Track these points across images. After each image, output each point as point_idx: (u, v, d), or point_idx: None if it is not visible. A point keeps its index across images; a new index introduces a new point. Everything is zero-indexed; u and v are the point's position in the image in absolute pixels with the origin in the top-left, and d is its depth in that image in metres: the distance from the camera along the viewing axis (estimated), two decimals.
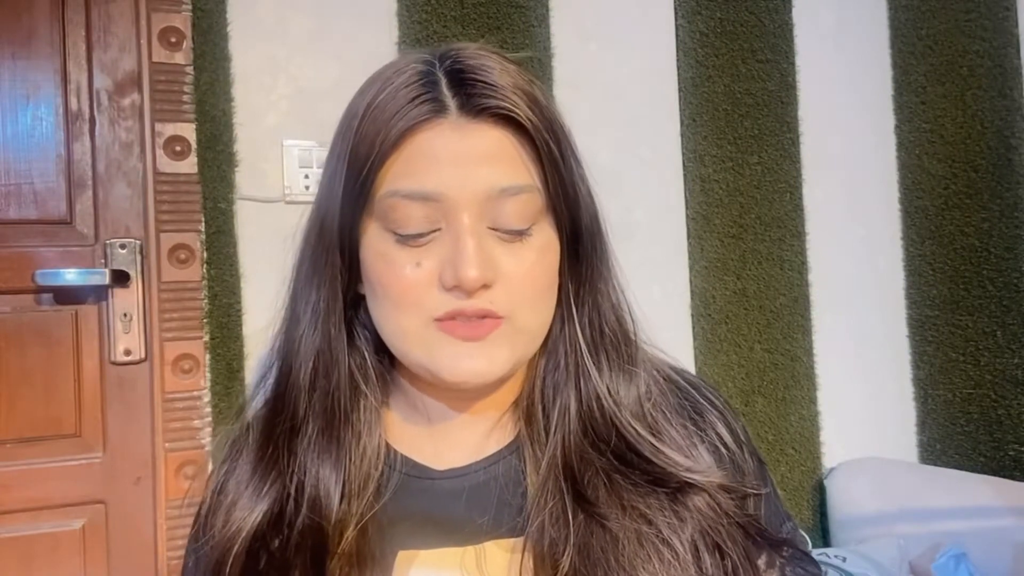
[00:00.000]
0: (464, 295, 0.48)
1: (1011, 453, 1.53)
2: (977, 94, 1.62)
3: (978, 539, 1.27)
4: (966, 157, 1.61)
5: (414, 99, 0.49)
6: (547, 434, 0.53)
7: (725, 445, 0.55)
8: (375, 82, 0.52)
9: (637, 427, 0.53)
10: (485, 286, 0.48)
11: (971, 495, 1.34)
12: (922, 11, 1.63)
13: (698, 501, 0.50)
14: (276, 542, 0.51)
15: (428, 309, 0.49)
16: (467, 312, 0.48)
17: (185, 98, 1.15)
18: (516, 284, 0.50)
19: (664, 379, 0.58)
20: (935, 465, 1.59)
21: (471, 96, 0.49)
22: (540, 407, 0.55)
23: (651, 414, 0.54)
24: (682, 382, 0.59)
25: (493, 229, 0.49)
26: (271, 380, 0.57)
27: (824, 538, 1.51)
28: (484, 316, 0.49)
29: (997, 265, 1.57)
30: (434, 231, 0.49)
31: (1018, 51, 1.63)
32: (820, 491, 1.52)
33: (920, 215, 1.63)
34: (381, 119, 0.49)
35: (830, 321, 1.55)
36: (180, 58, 1.16)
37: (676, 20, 1.48)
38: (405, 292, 0.49)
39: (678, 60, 1.48)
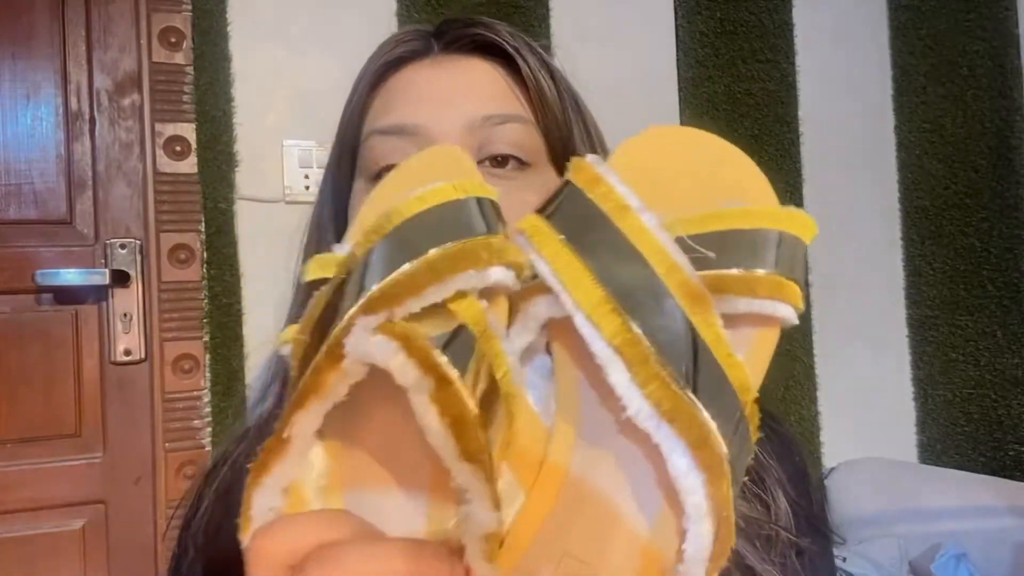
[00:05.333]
0: None
1: (1011, 453, 1.53)
2: (977, 94, 1.62)
3: (978, 539, 1.27)
4: (966, 157, 1.61)
5: (398, 44, 0.47)
6: None
7: None
8: None
9: None
10: None
11: (971, 495, 1.34)
12: (922, 11, 1.63)
13: None
14: None
15: None
16: None
17: (185, 98, 1.15)
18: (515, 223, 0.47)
19: None
20: (935, 465, 1.59)
21: (454, 33, 0.47)
22: None
23: None
24: None
25: (482, 163, 0.44)
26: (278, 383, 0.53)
27: None
28: None
29: (997, 265, 1.57)
30: None
31: (1018, 51, 1.63)
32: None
33: (920, 215, 1.63)
34: (365, 68, 0.48)
35: (830, 321, 1.55)
36: (180, 58, 1.16)
37: (676, 20, 1.48)
38: None
39: (678, 60, 1.48)
